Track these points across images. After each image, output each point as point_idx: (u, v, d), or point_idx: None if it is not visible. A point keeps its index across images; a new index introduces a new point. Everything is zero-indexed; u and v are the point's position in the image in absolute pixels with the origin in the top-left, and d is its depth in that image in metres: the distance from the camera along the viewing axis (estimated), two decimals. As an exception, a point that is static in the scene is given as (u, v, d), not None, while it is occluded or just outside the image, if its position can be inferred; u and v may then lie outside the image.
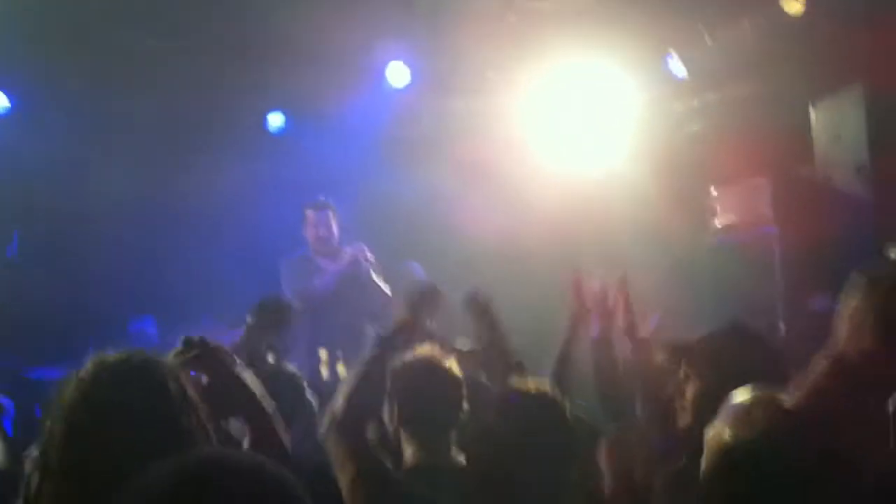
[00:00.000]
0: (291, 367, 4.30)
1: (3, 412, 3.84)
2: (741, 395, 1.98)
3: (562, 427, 2.68)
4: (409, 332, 3.27)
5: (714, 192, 6.49)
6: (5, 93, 7.35)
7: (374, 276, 6.35)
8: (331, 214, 6.53)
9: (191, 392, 1.95)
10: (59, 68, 6.89)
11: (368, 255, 6.37)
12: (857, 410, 1.55)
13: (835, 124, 5.50)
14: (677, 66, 6.71)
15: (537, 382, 2.90)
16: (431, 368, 3.05)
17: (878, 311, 1.65)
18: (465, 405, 3.07)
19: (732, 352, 2.84)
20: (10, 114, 7.39)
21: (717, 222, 6.41)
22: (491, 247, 7.46)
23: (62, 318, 7.33)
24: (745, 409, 1.92)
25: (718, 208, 6.44)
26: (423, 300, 3.50)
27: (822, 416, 1.76)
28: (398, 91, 7.54)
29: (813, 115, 5.61)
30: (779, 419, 1.82)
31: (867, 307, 1.71)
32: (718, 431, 1.91)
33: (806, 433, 1.74)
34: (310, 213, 6.56)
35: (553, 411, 2.72)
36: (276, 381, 3.88)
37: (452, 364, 3.10)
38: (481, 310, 3.76)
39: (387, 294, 6.33)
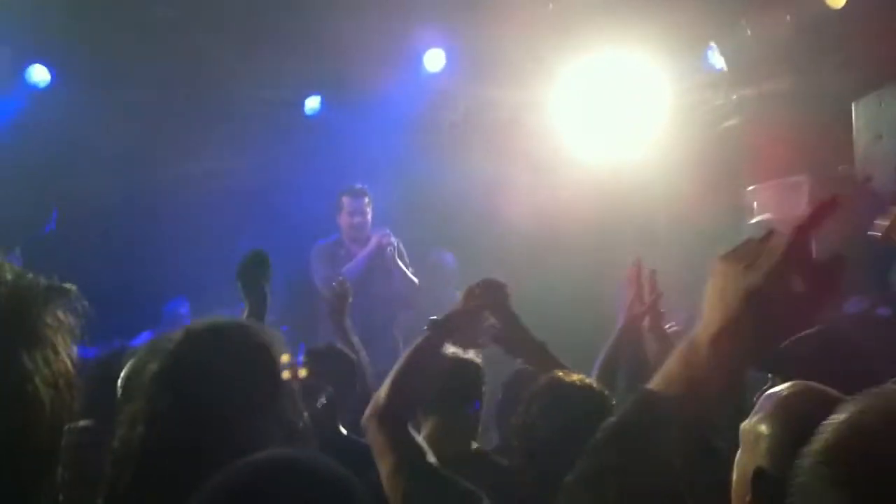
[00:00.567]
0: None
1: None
2: (778, 388, 1.96)
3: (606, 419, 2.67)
4: (464, 321, 3.12)
5: (750, 189, 6.42)
6: (47, 66, 7.43)
7: (400, 263, 6.34)
8: (367, 202, 6.51)
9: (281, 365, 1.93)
10: (99, 45, 6.95)
11: (393, 240, 6.36)
12: None
13: (877, 122, 5.41)
14: (717, 59, 6.63)
15: (580, 375, 2.90)
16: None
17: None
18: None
19: None
20: (50, 87, 7.46)
21: (753, 219, 6.35)
22: (525, 237, 7.44)
23: (97, 298, 7.40)
24: (782, 401, 1.90)
25: (755, 205, 6.37)
26: (486, 291, 3.28)
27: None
28: (434, 76, 7.53)
29: (854, 112, 5.52)
30: (816, 408, 1.80)
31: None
32: (753, 425, 1.89)
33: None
34: (346, 199, 6.55)
35: (598, 403, 2.71)
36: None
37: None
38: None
39: (412, 280, 6.32)
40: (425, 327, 3.01)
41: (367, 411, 2.87)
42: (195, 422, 1.79)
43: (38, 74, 7.45)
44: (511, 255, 7.24)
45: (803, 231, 1.19)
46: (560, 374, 2.92)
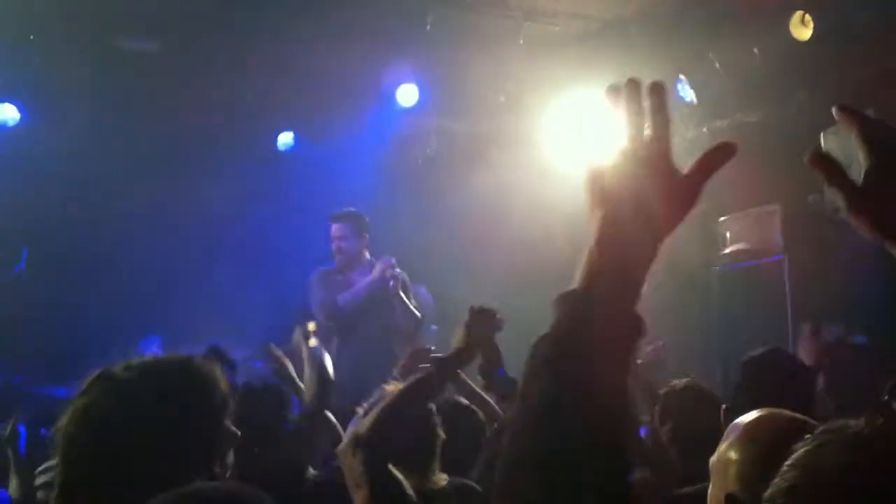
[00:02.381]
0: None
1: (17, 437, 3.82)
2: (745, 416, 1.96)
3: None
4: (466, 360, 3.05)
5: (723, 219, 6.47)
6: (16, 105, 7.38)
7: (402, 295, 6.13)
8: (352, 226, 6.30)
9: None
10: (69, 83, 6.91)
11: (397, 270, 6.16)
12: None
13: (845, 152, 5.46)
14: (687, 92, 6.70)
15: None
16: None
17: None
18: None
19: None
20: (19, 126, 7.41)
21: (727, 248, 6.39)
22: (497, 269, 7.44)
23: (69, 337, 7.33)
24: (749, 426, 1.90)
25: (728, 235, 6.42)
26: (481, 322, 3.17)
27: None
28: (406, 111, 7.55)
29: (823, 142, 5.58)
30: (783, 435, 1.80)
31: None
32: (723, 452, 1.88)
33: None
34: (332, 224, 6.35)
35: None
36: None
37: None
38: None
39: (415, 314, 6.13)
40: (428, 365, 2.91)
41: (346, 441, 2.79)
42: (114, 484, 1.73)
43: (7, 113, 7.40)
44: (485, 288, 7.23)
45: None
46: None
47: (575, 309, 1.16)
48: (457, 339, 3.02)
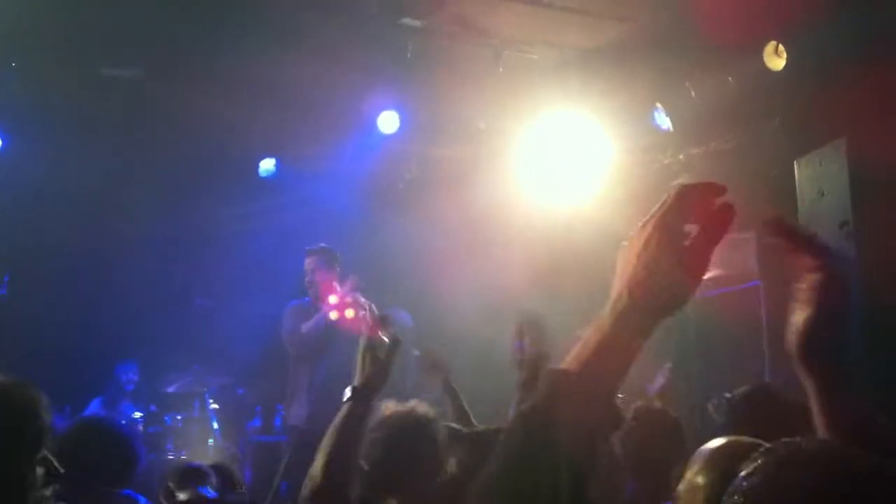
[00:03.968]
0: None
1: None
2: (711, 442, 2.01)
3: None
4: (380, 383, 3.00)
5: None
6: (-2, 131, 7.39)
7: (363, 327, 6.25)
8: (325, 259, 6.48)
9: None
10: (52, 108, 6.94)
11: (360, 299, 6.30)
12: None
13: (819, 180, 5.56)
14: (663, 119, 6.79)
15: None
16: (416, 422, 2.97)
17: None
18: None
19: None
20: (2, 151, 7.41)
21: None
22: (478, 294, 7.48)
23: (47, 362, 7.29)
24: (715, 451, 1.95)
25: (704, 260, 6.48)
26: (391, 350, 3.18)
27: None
28: (387, 137, 7.62)
29: (797, 170, 5.68)
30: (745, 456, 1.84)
31: None
32: (690, 479, 1.93)
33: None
34: (306, 258, 6.54)
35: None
36: None
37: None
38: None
39: (383, 340, 6.24)
40: (345, 397, 2.90)
41: (306, 492, 2.74)
42: None
43: (-11, 139, 7.40)
44: (467, 313, 7.27)
45: (681, 194, 1.25)
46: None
47: (560, 391, 1.20)
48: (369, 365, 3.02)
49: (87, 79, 6.73)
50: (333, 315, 6.20)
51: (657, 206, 1.25)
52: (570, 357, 1.22)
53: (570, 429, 1.16)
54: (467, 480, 2.65)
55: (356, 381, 2.94)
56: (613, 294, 1.24)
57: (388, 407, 2.97)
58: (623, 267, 1.25)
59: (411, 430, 2.88)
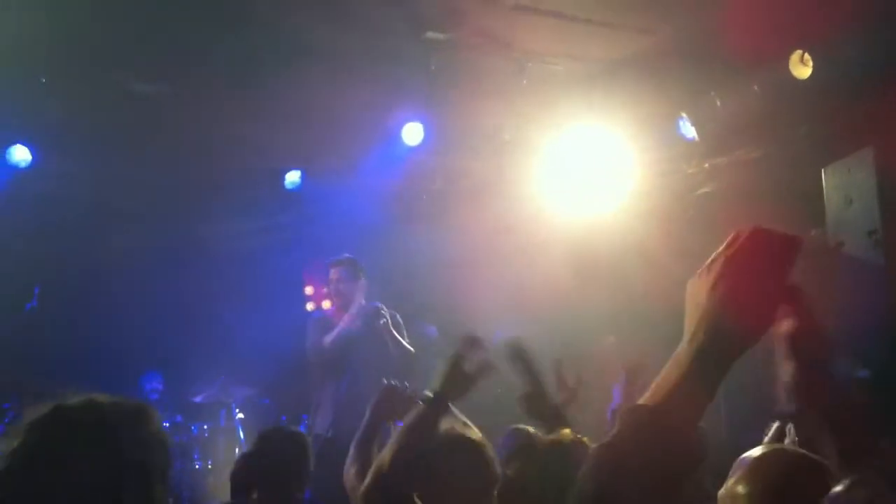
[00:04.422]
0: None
1: None
2: (752, 451, 2.00)
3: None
4: (460, 394, 3.05)
5: (726, 254, 6.51)
6: (27, 147, 7.49)
7: (394, 332, 6.30)
8: (350, 270, 6.52)
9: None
10: (79, 124, 7.02)
11: (384, 310, 6.35)
12: None
13: (846, 188, 5.53)
14: (688, 129, 6.78)
15: (575, 434, 2.91)
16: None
17: None
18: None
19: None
20: (31, 167, 7.51)
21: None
22: (503, 305, 7.48)
23: (74, 374, 7.36)
24: (756, 462, 1.94)
25: (730, 270, 6.45)
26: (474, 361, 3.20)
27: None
28: (412, 149, 7.65)
29: (824, 178, 5.64)
30: (790, 470, 1.84)
31: None
32: (731, 487, 1.92)
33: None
34: (330, 269, 6.58)
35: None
36: None
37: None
38: (523, 359, 3.74)
39: (408, 349, 6.28)
40: (420, 401, 2.95)
41: (369, 480, 2.81)
42: None
43: (20, 155, 7.50)
44: (492, 323, 7.26)
45: (754, 234, 1.27)
46: (557, 433, 2.94)
47: (640, 426, 1.23)
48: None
49: (116, 94, 6.81)
50: (357, 322, 6.23)
51: (724, 244, 1.29)
52: (649, 392, 1.25)
53: (652, 463, 1.18)
54: (521, 487, 2.67)
55: (436, 385, 2.97)
56: (688, 331, 1.26)
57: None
58: (694, 304, 1.27)
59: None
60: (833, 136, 5.84)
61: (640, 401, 1.25)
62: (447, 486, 2.87)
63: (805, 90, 5.83)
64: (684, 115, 6.69)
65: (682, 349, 1.25)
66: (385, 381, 3.57)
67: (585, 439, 2.92)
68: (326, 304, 6.27)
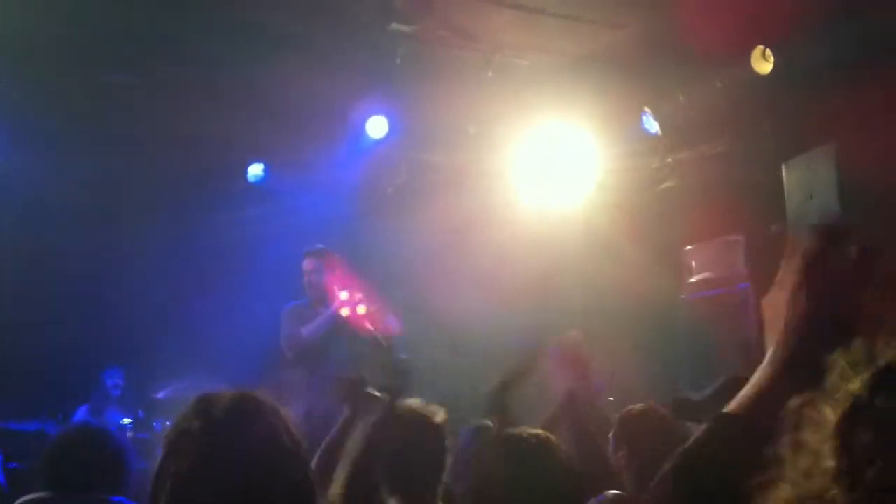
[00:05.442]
0: None
1: None
2: None
3: (563, 471, 2.68)
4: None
5: (688, 249, 6.57)
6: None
7: (366, 324, 6.27)
8: (314, 262, 6.48)
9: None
10: (40, 117, 6.92)
11: (364, 303, 6.31)
12: None
13: (807, 183, 5.60)
14: (652, 124, 6.82)
15: (532, 428, 2.92)
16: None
17: None
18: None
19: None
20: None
21: (692, 278, 6.49)
22: (467, 300, 7.49)
23: (37, 371, 7.27)
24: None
25: (693, 264, 6.52)
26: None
27: None
28: (376, 143, 7.62)
29: (785, 173, 5.71)
30: None
31: None
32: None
33: None
34: (304, 260, 6.53)
35: (553, 456, 2.72)
36: None
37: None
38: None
39: (379, 342, 6.27)
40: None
41: (333, 492, 2.87)
42: None
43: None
44: (457, 318, 7.28)
45: (818, 240, 1.30)
46: (512, 428, 2.96)
47: (727, 434, 1.26)
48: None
49: (81, 87, 6.72)
50: (345, 311, 6.18)
51: (794, 251, 1.31)
52: (735, 402, 1.28)
53: (734, 469, 1.19)
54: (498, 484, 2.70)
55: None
56: (773, 344, 1.29)
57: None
58: (775, 317, 1.30)
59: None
60: (795, 132, 5.91)
61: (728, 410, 1.28)
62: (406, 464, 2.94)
63: (767, 86, 5.89)
64: (648, 110, 6.73)
65: (771, 359, 1.28)
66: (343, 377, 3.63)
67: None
68: (361, 310, 6.19)
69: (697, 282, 6.46)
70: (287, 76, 6.55)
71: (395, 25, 6.33)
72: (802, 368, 1.24)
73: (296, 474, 1.78)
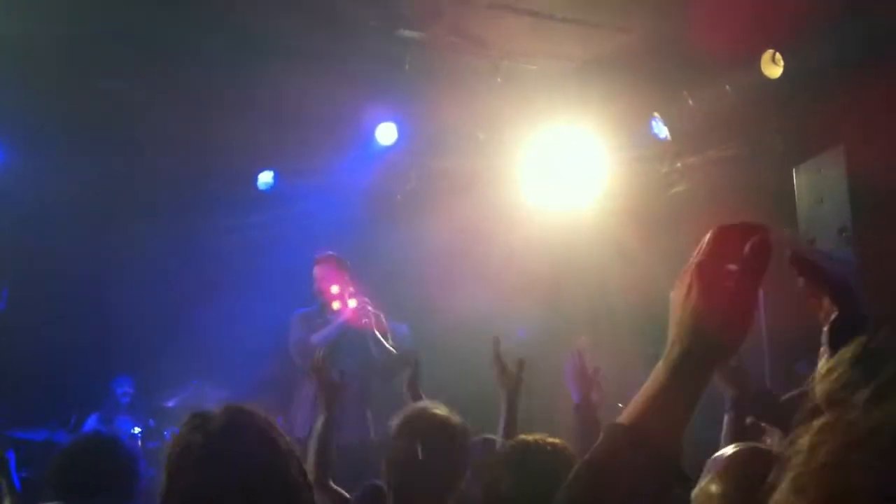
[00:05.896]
0: None
1: (8, 464, 3.81)
2: (724, 450, 2.00)
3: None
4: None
5: (699, 253, 6.54)
6: (-3, 144, 7.40)
7: (377, 333, 6.26)
8: (335, 268, 6.46)
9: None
10: (49, 122, 6.94)
11: (370, 308, 6.30)
12: None
13: (817, 186, 5.57)
14: (661, 128, 6.81)
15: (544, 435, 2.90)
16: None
17: None
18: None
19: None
20: (0, 166, 7.42)
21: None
22: (478, 305, 7.48)
23: (45, 379, 7.29)
24: (729, 461, 1.94)
25: (704, 268, 6.48)
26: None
27: None
28: (386, 149, 7.63)
29: (795, 177, 5.69)
30: (762, 466, 1.84)
31: None
32: (704, 487, 1.92)
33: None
34: (315, 267, 6.52)
35: (565, 463, 2.70)
36: None
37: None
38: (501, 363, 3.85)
39: (389, 350, 6.25)
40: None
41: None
42: None
43: (-13, 152, 7.41)
44: (466, 323, 7.26)
45: (717, 236, 1.23)
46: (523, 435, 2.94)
47: (616, 445, 1.18)
48: None
49: (87, 92, 6.74)
50: (349, 305, 6.18)
51: (696, 250, 1.24)
52: (626, 410, 1.21)
53: (629, 483, 1.15)
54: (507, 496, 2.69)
55: None
56: (667, 344, 1.22)
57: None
58: (672, 315, 1.23)
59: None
60: (804, 135, 5.89)
61: (620, 419, 1.21)
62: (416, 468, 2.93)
63: (776, 89, 5.87)
64: (657, 114, 6.72)
65: (660, 363, 1.21)
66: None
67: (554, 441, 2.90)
68: (352, 303, 6.19)
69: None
70: (296, 83, 6.56)
71: (403, 32, 6.34)
72: (690, 373, 1.18)
73: (294, 471, 1.93)
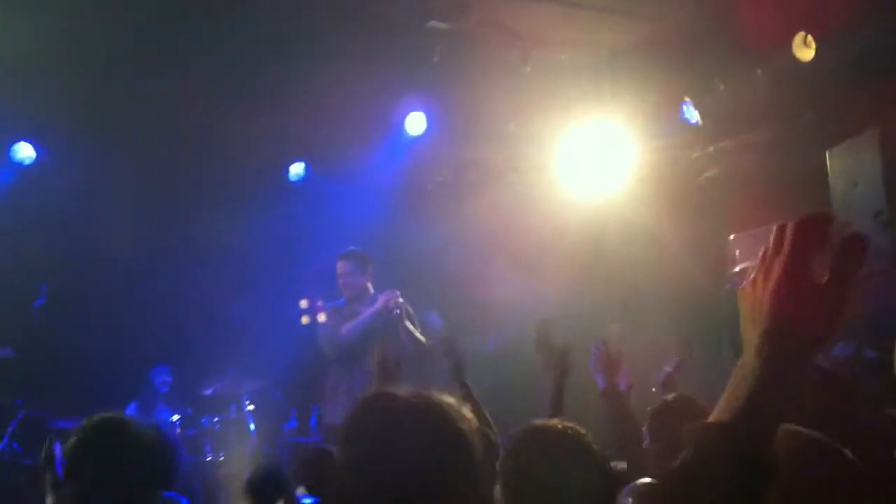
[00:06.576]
0: None
1: (54, 458, 3.88)
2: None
3: (597, 464, 2.67)
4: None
5: (732, 238, 6.51)
6: (32, 144, 7.51)
7: (407, 323, 6.32)
8: (357, 263, 6.53)
9: None
10: (84, 121, 7.04)
11: (400, 300, 6.35)
12: None
13: (851, 170, 5.52)
14: (692, 114, 6.77)
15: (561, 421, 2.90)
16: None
17: None
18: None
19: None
20: (35, 165, 7.54)
21: (736, 267, 6.43)
22: (509, 295, 7.49)
23: (84, 370, 7.40)
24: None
25: (737, 253, 6.46)
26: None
27: None
28: (416, 140, 7.65)
29: (829, 160, 5.64)
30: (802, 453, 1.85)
31: None
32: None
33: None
34: (338, 263, 6.59)
35: (586, 448, 2.70)
36: None
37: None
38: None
39: (420, 340, 6.31)
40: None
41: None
42: None
43: (24, 152, 7.54)
44: (498, 313, 7.28)
45: (798, 230, 1.21)
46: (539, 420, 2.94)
47: (713, 450, 1.16)
48: None
49: (120, 91, 6.82)
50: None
51: (771, 243, 1.22)
52: (719, 409, 1.19)
53: (728, 484, 1.13)
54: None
55: None
56: (753, 340, 1.20)
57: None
58: (754, 311, 1.21)
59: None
60: (837, 119, 5.84)
61: (713, 417, 1.18)
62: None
63: (808, 73, 5.82)
64: (688, 100, 6.69)
65: (748, 361, 1.19)
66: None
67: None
68: (321, 318, 6.26)
69: (741, 271, 6.40)
70: (326, 76, 6.60)
71: (432, 23, 6.35)
72: (784, 371, 1.16)
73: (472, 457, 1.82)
